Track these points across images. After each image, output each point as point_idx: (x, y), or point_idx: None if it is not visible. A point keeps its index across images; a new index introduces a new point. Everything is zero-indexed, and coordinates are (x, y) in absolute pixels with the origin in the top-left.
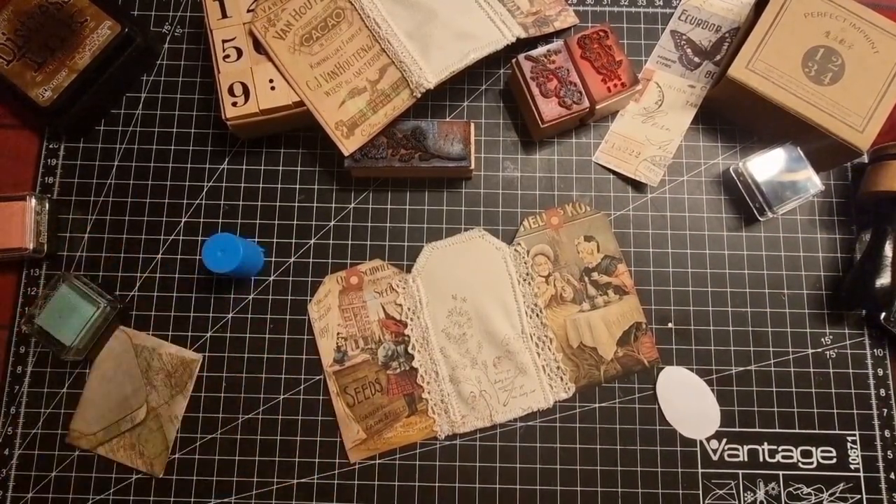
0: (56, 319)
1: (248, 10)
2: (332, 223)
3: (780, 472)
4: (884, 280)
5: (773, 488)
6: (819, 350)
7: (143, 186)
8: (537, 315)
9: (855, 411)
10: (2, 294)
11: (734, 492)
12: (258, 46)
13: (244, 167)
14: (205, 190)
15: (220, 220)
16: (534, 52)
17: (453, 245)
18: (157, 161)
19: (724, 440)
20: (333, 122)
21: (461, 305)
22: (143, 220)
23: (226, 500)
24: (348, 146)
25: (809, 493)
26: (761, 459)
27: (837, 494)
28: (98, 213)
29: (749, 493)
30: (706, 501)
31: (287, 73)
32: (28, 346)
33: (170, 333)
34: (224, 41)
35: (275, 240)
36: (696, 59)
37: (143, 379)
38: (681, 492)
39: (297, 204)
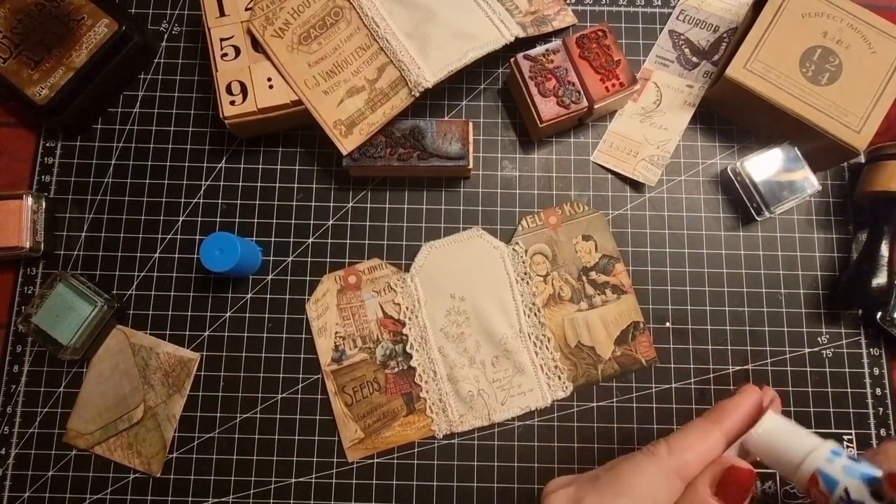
0: (53, 318)
1: (246, 9)
2: (331, 222)
3: (777, 471)
4: (880, 280)
5: (769, 487)
6: (816, 349)
7: (140, 185)
8: (535, 314)
9: (851, 410)
10: None
11: None
12: (256, 45)
13: (242, 166)
14: (202, 189)
15: (218, 219)
16: (532, 52)
17: (451, 244)
18: (154, 160)
19: None
20: (332, 121)
21: (459, 304)
22: (141, 218)
23: (223, 499)
24: (346, 145)
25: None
26: (758, 458)
27: None
28: (95, 211)
29: None
30: None
31: (285, 72)
32: (25, 345)
33: (167, 332)
34: (222, 39)
35: (273, 239)
36: (694, 59)
37: (141, 378)
38: None
39: (295, 203)
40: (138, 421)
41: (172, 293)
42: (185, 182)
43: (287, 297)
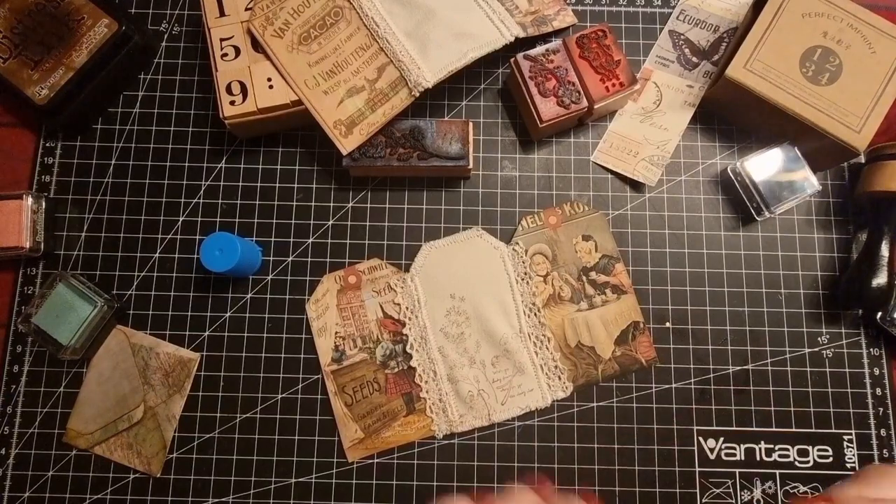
0: (53, 318)
1: (246, 9)
2: (331, 222)
3: (777, 471)
4: (880, 280)
5: (769, 487)
6: (816, 349)
7: (140, 185)
8: (535, 314)
9: (851, 410)
10: None
11: (731, 490)
12: (256, 45)
13: (242, 166)
14: (202, 189)
15: (218, 219)
16: (532, 52)
17: (451, 244)
18: (154, 160)
19: (722, 439)
20: (332, 121)
21: (459, 305)
22: (141, 218)
23: (223, 499)
24: (346, 145)
25: (806, 492)
26: (758, 458)
27: None
28: (95, 211)
29: (746, 491)
30: (703, 500)
31: (285, 72)
32: (25, 345)
33: (167, 332)
34: (222, 39)
35: (273, 239)
36: (695, 59)
37: (141, 378)
38: (678, 490)
39: (295, 203)
40: (138, 421)
41: (172, 293)
42: (185, 182)
43: (287, 297)
